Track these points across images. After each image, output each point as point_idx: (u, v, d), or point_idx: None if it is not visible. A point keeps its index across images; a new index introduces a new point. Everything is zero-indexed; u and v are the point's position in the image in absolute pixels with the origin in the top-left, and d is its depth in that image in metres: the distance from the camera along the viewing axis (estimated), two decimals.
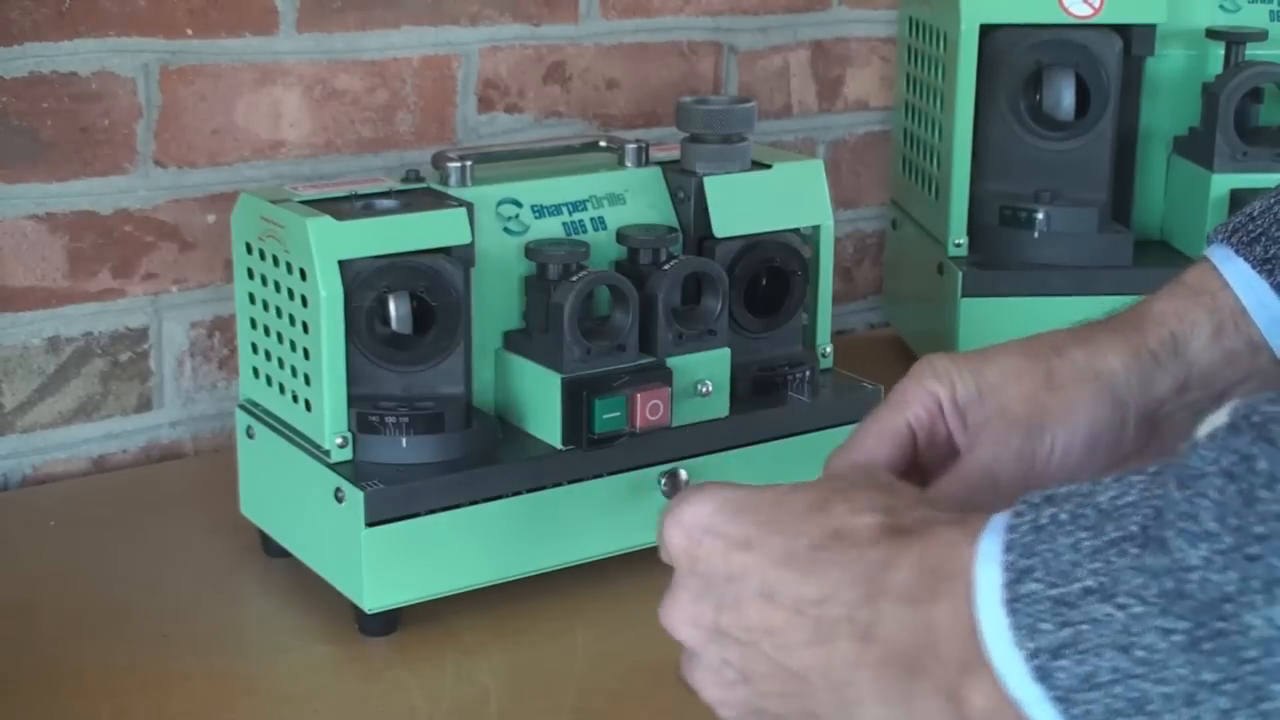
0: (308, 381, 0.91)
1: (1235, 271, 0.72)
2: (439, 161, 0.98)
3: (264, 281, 0.94)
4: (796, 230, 1.03)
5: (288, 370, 0.93)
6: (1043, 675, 0.48)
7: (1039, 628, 0.47)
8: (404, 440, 0.90)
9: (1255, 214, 0.72)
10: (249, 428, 0.98)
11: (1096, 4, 1.23)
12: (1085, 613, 0.47)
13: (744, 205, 1.00)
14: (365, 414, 0.90)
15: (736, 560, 0.57)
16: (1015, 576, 0.48)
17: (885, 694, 0.53)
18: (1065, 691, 0.47)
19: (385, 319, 0.90)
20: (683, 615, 0.59)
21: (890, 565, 0.53)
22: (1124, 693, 0.47)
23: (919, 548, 0.53)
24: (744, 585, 0.57)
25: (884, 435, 0.70)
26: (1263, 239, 0.71)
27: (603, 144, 1.05)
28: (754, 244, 1.00)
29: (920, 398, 0.70)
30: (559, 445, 0.93)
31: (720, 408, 0.97)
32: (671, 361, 0.95)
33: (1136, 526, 0.47)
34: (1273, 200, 0.72)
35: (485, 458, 0.91)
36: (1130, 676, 0.46)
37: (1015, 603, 0.48)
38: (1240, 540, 0.45)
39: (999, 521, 0.50)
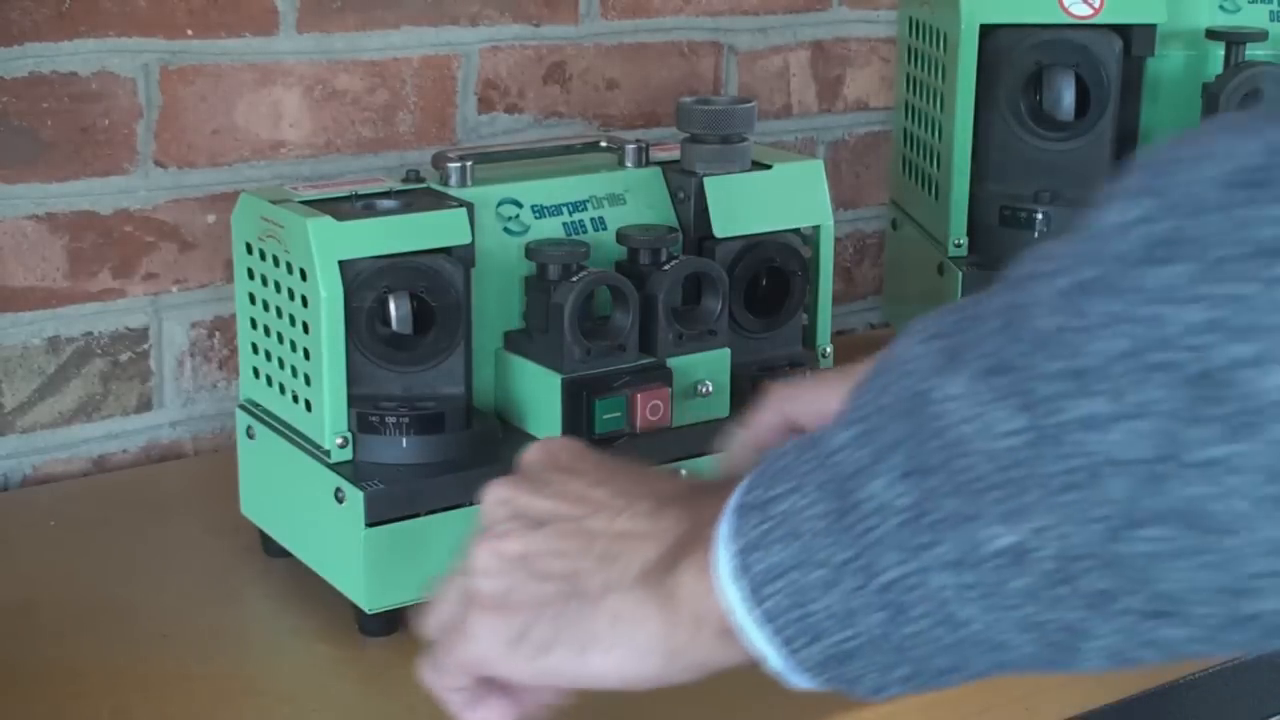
0: (308, 381, 0.91)
1: None
2: (439, 161, 0.98)
3: (264, 281, 0.94)
4: (796, 230, 1.03)
5: (288, 370, 0.93)
6: (742, 570, 0.52)
7: (744, 529, 0.52)
8: (404, 440, 0.90)
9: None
10: (249, 428, 0.98)
11: (1096, 4, 1.23)
12: (777, 508, 0.51)
13: (744, 205, 1.00)
14: (365, 414, 0.90)
15: (582, 464, 0.63)
16: (747, 489, 0.53)
17: (645, 575, 0.56)
18: (754, 586, 0.51)
19: (385, 319, 0.90)
20: (499, 494, 0.63)
21: (708, 479, 0.62)
22: (796, 580, 0.50)
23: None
24: (577, 477, 0.62)
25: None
26: None
27: (603, 144, 1.05)
28: (754, 244, 1.00)
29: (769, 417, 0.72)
30: None
31: (720, 408, 0.97)
32: (671, 362, 0.95)
33: (824, 429, 0.52)
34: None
35: (485, 458, 0.91)
36: (795, 566, 0.50)
37: (739, 509, 0.53)
38: (876, 419, 0.49)
39: None
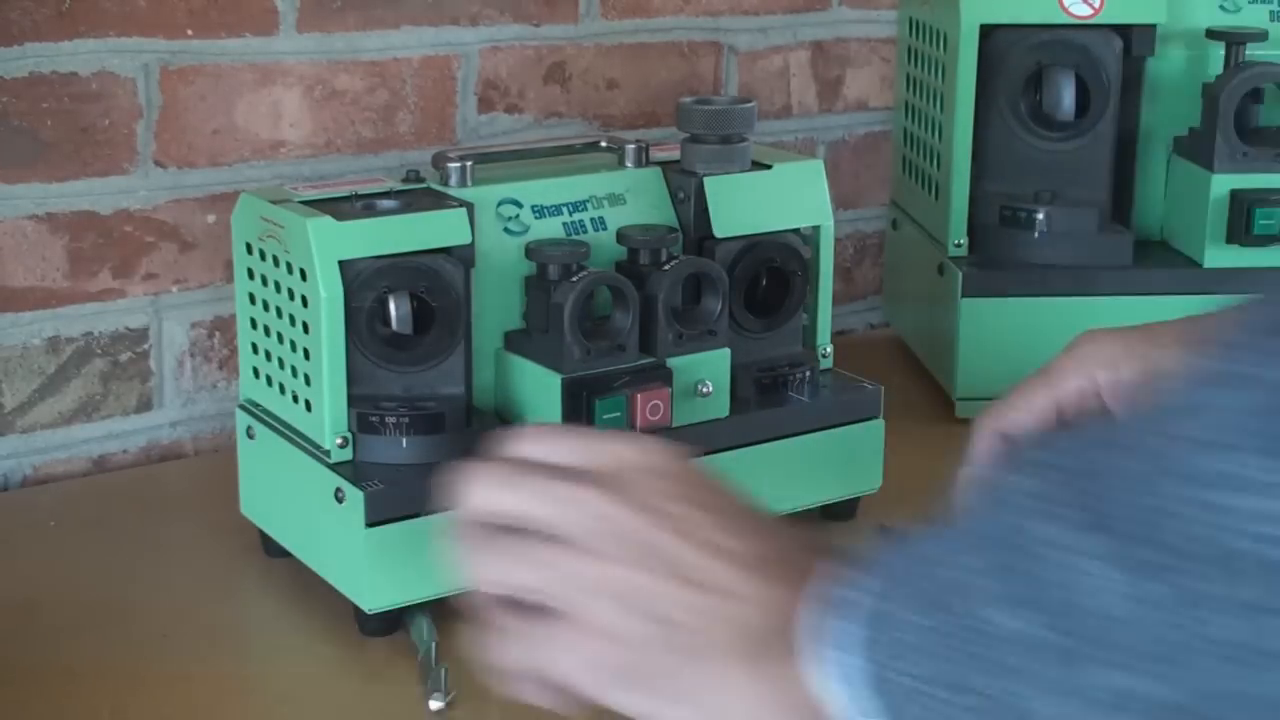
0: (308, 381, 0.91)
1: None
2: (439, 161, 0.98)
3: (264, 282, 0.94)
4: (796, 230, 1.03)
5: (288, 370, 0.93)
6: (881, 682, 0.50)
7: (876, 640, 0.50)
8: (404, 440, 0.90)
9: None
10: (249, 428, 0.98)
11: (1096, 4, 1.23)
12: (898, 617, 0.50)
13: (744, 205, 1.00)
14: (365, 414, 0.90)
15: (699, 493, 0.57)
16: (851, 584, 0.51)
17: (749, 647, 0.54)
18: (895, 702, 0.49)
19: (385, 319, 0.90)
20: (599, 509, 0.57)
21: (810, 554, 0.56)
22: (939, 702, 0.48)
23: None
24: (702, 511, 0.57)
25: (1032, 410, 0.75)
26: None
27: (603, 144, 1.05)
28: (754, 244, 1.00)
29: (1076, 381, 0.73)
30: None
31: (720, 408, 0.97)
32: (671, 362, 0.95)
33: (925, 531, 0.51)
34: None
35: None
36: (935, 684, 0.48)
37: (873, 619, 0.50)
38: (986, 549, 0.48)
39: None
